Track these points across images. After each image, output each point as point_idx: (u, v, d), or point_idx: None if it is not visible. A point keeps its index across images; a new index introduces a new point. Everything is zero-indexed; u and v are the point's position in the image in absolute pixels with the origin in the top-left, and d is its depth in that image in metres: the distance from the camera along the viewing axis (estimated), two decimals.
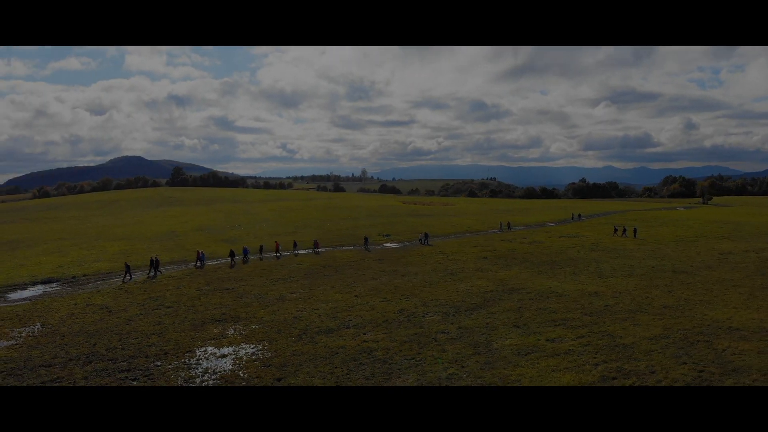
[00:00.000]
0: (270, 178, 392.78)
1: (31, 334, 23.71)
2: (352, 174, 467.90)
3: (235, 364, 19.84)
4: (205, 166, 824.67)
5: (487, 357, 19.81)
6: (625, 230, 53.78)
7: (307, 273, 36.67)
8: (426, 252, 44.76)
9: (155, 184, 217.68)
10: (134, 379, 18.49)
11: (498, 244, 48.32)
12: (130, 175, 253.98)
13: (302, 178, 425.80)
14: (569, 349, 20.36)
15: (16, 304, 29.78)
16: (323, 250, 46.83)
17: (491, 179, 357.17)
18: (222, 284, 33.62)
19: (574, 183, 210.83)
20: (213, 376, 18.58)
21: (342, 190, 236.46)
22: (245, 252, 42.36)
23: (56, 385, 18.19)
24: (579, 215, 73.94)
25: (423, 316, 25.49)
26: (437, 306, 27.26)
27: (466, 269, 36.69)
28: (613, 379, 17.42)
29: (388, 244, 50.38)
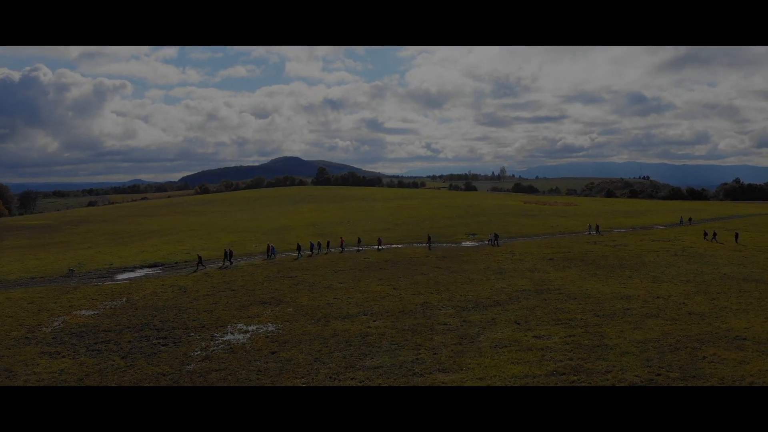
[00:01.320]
0: (411, 177, 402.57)
1: (112, 307, 29.23)
2: (492, 173, 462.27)
3: (248, 338, 23.33)
4: (355, 166, 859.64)
5: (463, 348, 21.35)
6: (715, 235, 50.08)
7: (367, 266, 39.62)
8: (494, 252, 45.57)
9: (301, 183, 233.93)
10: (164, 345, 22.65)
11: (577, 246, 47.61)
12: (289, 174, 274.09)
13: (440, 177, 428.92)
14: (547, 346, 21.20)
15: (117, 282, 36.21)
16: (386, 247, 49.24)
17: (644, 178, 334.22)
18: (289, 273, 37.70)
19: (725, 183, 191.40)
20: (224, 347, 22.18)
21: (473, 189, 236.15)
22: (312, 246, 46.23)
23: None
24: (689, 219, 68.62)
25: (439, 309, 27.26)
26: (460, 301, 28.78)
27: (518, 269, 37.31)
28: (562, 374, 18.25)
29: (466, 243, 51.64)
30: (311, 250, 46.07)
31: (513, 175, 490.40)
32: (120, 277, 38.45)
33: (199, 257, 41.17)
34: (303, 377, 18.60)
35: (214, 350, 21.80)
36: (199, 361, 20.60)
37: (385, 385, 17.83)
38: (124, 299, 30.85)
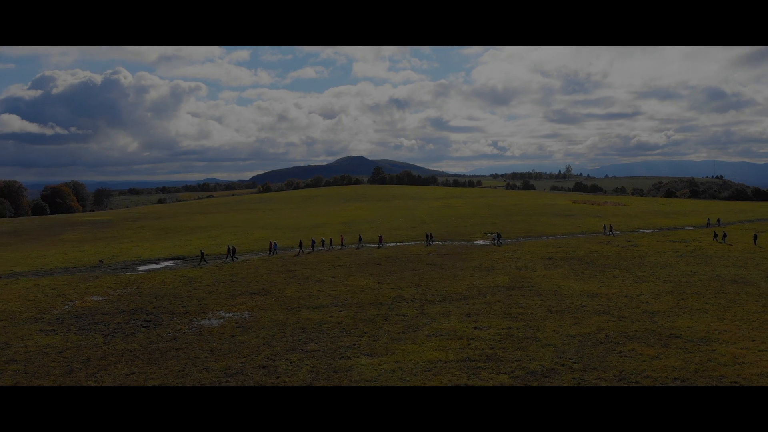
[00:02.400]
0: (473, 176, 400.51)
1: (122, 294, 32.61)
2: (559, 171, 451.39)
3: (220, 323, 25.92)
4: (418, 165, 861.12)
5: (403, 336, 23.08)
6: (725, 236, 48.92)
7: (366, 262, 41.61)
8: (496, 251, 46.45)
9: (357, 182, 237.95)
10: (145, 327, 25.55)
11: (586, 246, 47.76)
12: (352, 174, 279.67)
13: (503, 175, 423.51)
14: (479, 336, 22.61)
15: (137, 273, 39.88)
16: (389, 245, 50.83)
17: (717, 177, 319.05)
18: (290, 267, 40.26)
19: None
20: (194, 330, 24.85)
21: (531, 188, 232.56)
22: (313, 243, 48.71)
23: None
24: (718, 220, 66.18)
25: (407, 302, 28.97)
26: (431, 295, 30.35)
27: (508, 267, 38.28)
28: (472, 361, 19.73)
29: (479, 242, 52.58)
30: (312, 247, 48.40)
31: (580, 174, 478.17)
32: (142, 268, 42.17)
33: (201, 252, 44.32)
34: (244, 357, 20.89)
35: (184, 333, 24.48)
36: (167, 341, 23.29)
37: (319, 368, 19.79)
38: (134, 288, 34.21)
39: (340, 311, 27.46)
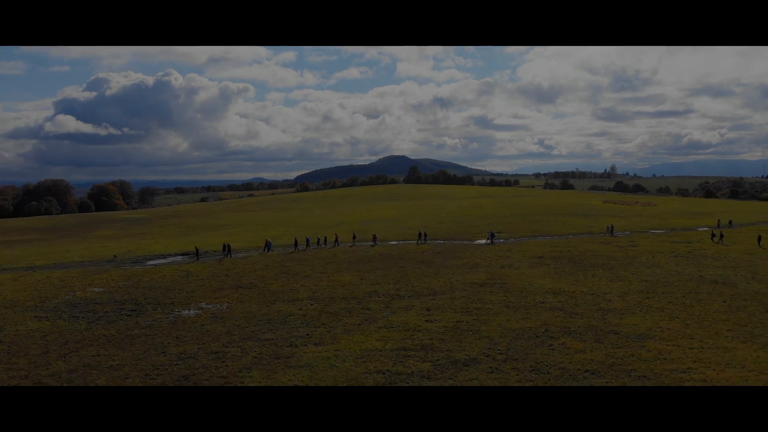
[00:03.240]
0: (515, 175, 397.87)
1: (121, 286, 35.09)
2: (605, 170, 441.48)
3: (197, 314, 27.91)
4: (461, 164, 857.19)
5: (357, 327, 24.55)
6: (722, 236, 48.28)
7: (359, 260, 43.12)
8: (489, 249, 47.17)
9: (393, 182, 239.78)
10: (128, 315, 27.75)
11: (583, 246, 47.97)
12: (394, 173, 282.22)
13: (545, 174, 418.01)
14: (426, 329, 23.85)
15: (144, 267, 42.52)
16: (384, 243, 51.96)
17: (766, 177, 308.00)
18: (286, 263, 42.14)
19: None
20: (171, 319, 26.88)
21: (570, 187, 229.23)
22: (308, 242, 50.31)
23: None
24: (730, 222, 64.42)
25: (378, 297, 30.37)
26: (405, 291, 31.64)
27: (493, 265, 39.10)
28: (406, 350, 21.02)
29: (479, 241, 53.31)
30: (307, 245, 50.02)
31: (626, 173, 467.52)
32: (150, 262, 44.83)
33: (196, 249, 46.67)
34: (202, 344, 22.73)
35: (160, 321, 26.55)
36: (142, 328, 25.39)
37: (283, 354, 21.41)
38: (135, 280, 36.68)
39: (312, 304, 29.05)
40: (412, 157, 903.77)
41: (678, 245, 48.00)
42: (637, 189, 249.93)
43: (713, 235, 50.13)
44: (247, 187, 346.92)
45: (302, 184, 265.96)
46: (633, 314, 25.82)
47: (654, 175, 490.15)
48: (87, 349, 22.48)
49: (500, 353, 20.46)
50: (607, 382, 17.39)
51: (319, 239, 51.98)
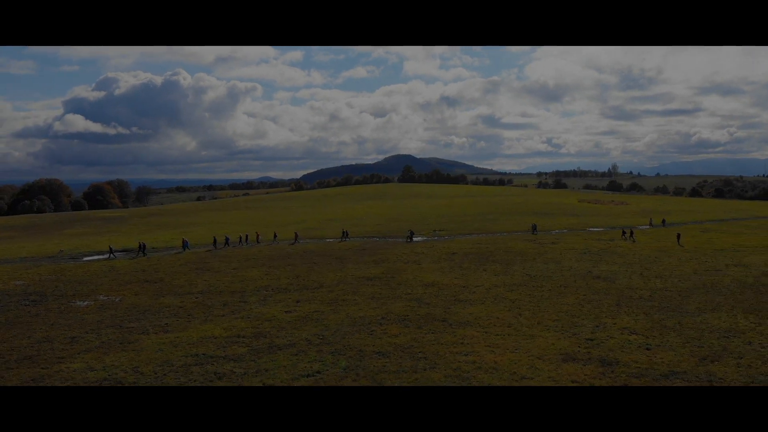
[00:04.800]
0: (525, 174, 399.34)
1: (42, 279, 37.44)
2: (608, 169, 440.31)
3: (88, 304, 30.12)
4: (468, 163, 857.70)
5: (215, 317, 26.67)
6: (632, 233, 50.26)
7: (279, 257, 45.36)
8: (407, 246, 49.18)
9: (387, 181, 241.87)
10: (26, 305, 30.00)
11: (506, 243, 49.86)
12: (399, 172, 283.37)
13: (546, 173, 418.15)
14: (274, 318, 26.01)
15: (77, 262, 44.94)
16: (303, 241, 54.01)
17: (766, 176, 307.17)
18: (207, 260, 44.42)
19: None
20: (62, 308, 29.11)
21: (564, 186, 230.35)
22: (227, 240, 52.19)
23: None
24: (663, 221, 65.75)
25: (262, 291, 32.51)
26: (295, 285, 33.79)
27: (397, 261, 41.19)
28: (240, 337, 23.13)
29: (417, 239, 55.35)
30: (226, 244, 51.97)
31: (630, 172, 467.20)
32: (87, 258, 47.28)
33: (140, 244, 48.97)
34: (65, 330, 24.91)
35: (50, 311, 28.83)
36: (30, 316, 27.68)
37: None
38: (59, 275, 39.03)
39: (196, 298, 31.22)
40: (418, 156, 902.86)
41: (597, 243, 49.78)
42: (633, 188, 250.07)
43: (624, 233, 51.97)
44: (248, 186, 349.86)
45: (297, 183, 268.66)
46: (480, 304, 27.79)
47: (658, 174, 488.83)
48: None
49: (320, 338, 22.53)
50: (387, 362, 19.40)
51: (240, 237, 53.86)
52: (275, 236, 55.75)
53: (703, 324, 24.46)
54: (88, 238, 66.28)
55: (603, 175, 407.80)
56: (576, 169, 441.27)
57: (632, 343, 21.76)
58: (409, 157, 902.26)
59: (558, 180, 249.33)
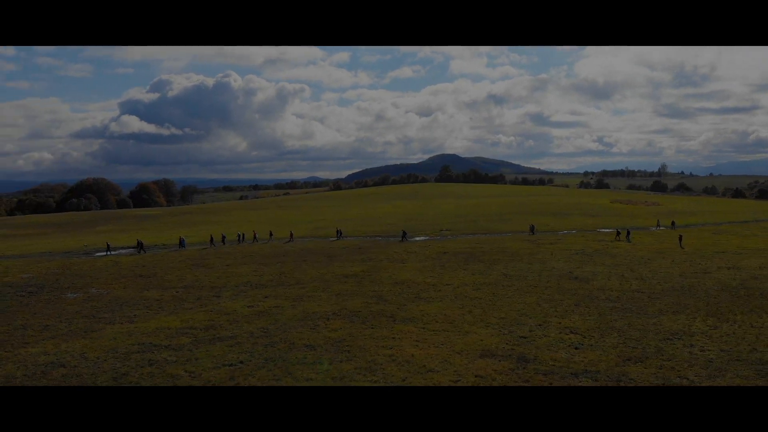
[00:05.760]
0: (574, 173, 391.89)
1: (49, 272, 40.05)
2: (658, 169, 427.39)
3: (77, 296, 32.20)
4: (514, 162, 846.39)
5: (182, 309, 28.17)
6: (628, 234, 49.48)
7: (273, 255, 46.86)
8: (401, 245, 49.86)
9: (424, 180, 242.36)
10: (22, 296, 32.33)
11: (502, 243, 49.96)
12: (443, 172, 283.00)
13: (593, 173, 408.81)
14: (233, 311, 27.30)
15: (90, 257, 47.57)
16: (301, 239, 55.54)
17: None
18: (206, 257, 46.33)
19: None
20: (52, 298, 31.26)
21: (606, 186, 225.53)
22: (223, 238, 54.04)
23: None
24: (672, 223, 63.89)
25: (242, 287, 33.93)
26: (276, 281, 35.11)
27: (387, 259, 42.04)
28: (189, 328, 24.50)
29: (419, 238, 56.01)
30: (223, 242, 53.84)
31: (682, 172, 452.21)
32: (99, 254, 49.92)
33: (138, 242, 51.25)
34: (44, 318, 26.86)
35: (41, 301, 30.99)
36: (21, 305, 29.85)
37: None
38: (66, 268, 41.59)
39: (176, 292, 32.86)
40: (463, 156, 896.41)
41: (596, 243, 49.33)
42: (679, 188, 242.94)
43: (618, 234, 51.27)
44: (290, 186, 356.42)
45: (336, 183, 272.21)
46: (437, 302, 28.39)
47: (711, 174, 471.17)
48: None
49: (263, 331, 23.66)
50: (309, 354, 20.34)
51: (239, 235, 55.77)
52: (271, 235, 57.44)
53: (654, 326, 24.39)
54: (114, 235, 69.60)
55: (651, 174, 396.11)
56: (624, 168, 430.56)
57: (564, 342, 22.00)
58: (453, 157, 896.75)
59: (600, 180, 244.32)
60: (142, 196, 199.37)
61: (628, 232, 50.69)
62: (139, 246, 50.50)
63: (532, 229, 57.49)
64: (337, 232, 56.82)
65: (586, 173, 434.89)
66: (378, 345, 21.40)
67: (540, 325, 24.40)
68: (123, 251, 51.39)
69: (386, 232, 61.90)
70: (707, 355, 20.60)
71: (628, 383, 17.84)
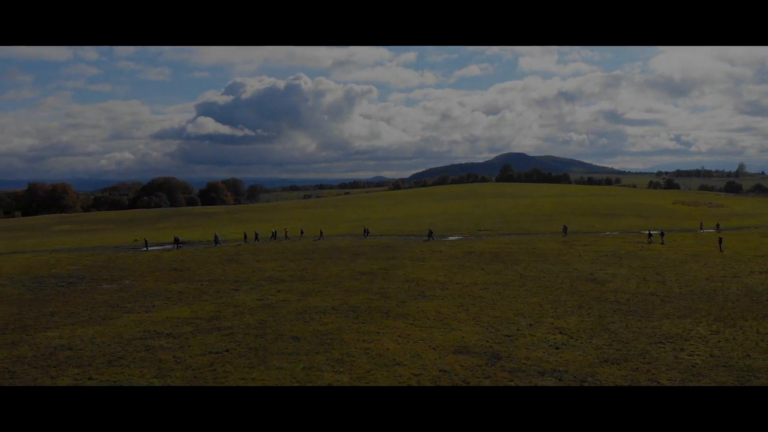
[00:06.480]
0: (648, 173, 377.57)
1: (95, 265, 43.21)
2: (737, 169, 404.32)
3: (111, 287, 34.74)
4: (586, 161, 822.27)
5: (194, 301, 29.97)
6: (663, 234, 47.53)
7: (301, 252, 48.40)
8: (424, 245, 50.21)
9: (483, 180, 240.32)
10: (61, 286, 35.19)
11: (534, 244, 49.46)
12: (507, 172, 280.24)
13: (665, 173, 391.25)
14: (243, 304, 28.77)
15: (136, 251, 50.75)
16: (339, 237, 56.77)
17: None
18: (240, 253, 48.46)
19: None
20: (88, 289, 33.92)
21: (676, 186, 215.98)
22: (256, 236, 55.82)
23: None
24: (717, 226, 60.53)
25: (261, 281, 35.54)
26: (295, 276, 36.56)
27: (408, 257, 42.67)
28: (194, 319, 26.16)
29: (452, 237, 56.26)
30: (256, 239, 55.81)
31: (762, 173, 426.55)
32: (149, 248, 53.13)
33: (175, 238, 53.99)
34: (77, 306, 29.26)
35: (77, 291, 33.68)
36: (58, 294, 32.57)
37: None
38: (113, 261, 44.70)
39: (200, 285, 34.74)
40: (531, 155, 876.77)
41: (630, 245, 48.08)
42: (756, 190, 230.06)
43: (650, 236, 49.62)
44: (353, 185, 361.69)
45: (395, 183, 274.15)
46: (439, 300, 28.86)
47: None
48: (3, 305, 29.81)
49: (260, 323, 24.96)
50: (291, 345, 21.39)
51: (273, 233, 57.77)
52: (302, 232, 59.28)
53: (651, 329, 24.00)
54: (169, 231, 73.52)
55: (728, 175, 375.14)
56: (700, 168, 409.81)
57: (547, 341, 22.06)
58: (521, 156, 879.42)
59: (671, 180, 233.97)
60: (210, 194, 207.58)
61: (662, 234, 49.04)
62: (176, 242, 53.33)
63: (565, 230, 56.53)
64: (365, 230, 57.89)
65: (659, 173, 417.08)
66: (359, 339, 22.20)
67: (531, 324, 24.48)
68: (168, 246, 54.43)
69: (423, 231, 62.30)
70: (693, 360, 20.21)
71: (593, 383, 17.85)
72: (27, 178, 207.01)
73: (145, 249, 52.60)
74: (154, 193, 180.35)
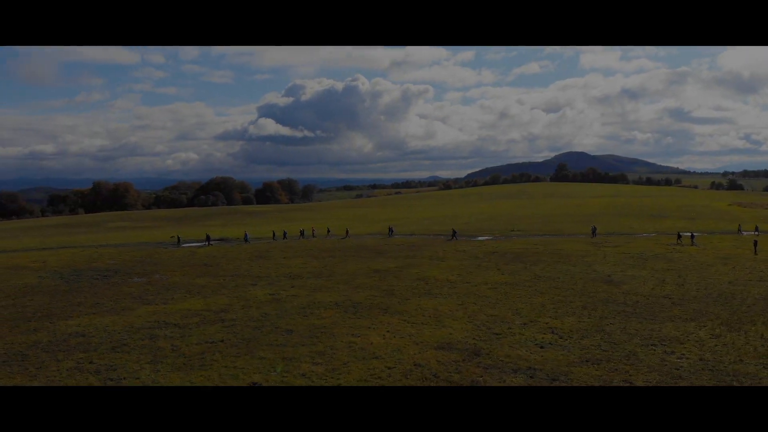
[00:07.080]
0: (714, 173, 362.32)
1: (132, 260, 45.84)
2: None
3: (142, 281, 36.92)
4: (650, 161, 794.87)
5: (210, 295, 31.55)
6: (693, 237, 46.23)
7: (330, 249, 49.59)
8: (451, 244, 50.36)
9: (537, 180, 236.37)
10: (96, 279, 37.65)
11: (561, 245, 48.87)
12: (568, 170, 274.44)
13: (732, 173, 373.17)
14: (255, 298, 30.09)
15: (177, 248, 53.32)
16: (369, 236, 57.77)
17: None
18: (270, 249, 50.13)
19: None
20: (119, 282, 36.21)
21: (740, 187, 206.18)
22: (285, 234, 57.49)
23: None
24: (756, 228, 57.27)
25: (282, 277, 36.90)
26: (314, 273, 37.73)
27: (427, 256, 43.14)
28: (203, 310, 27.64)
29: (482, 237, 56.23)
30: (284, 237, 57.36)
31: None
32: (185, 245, 55.67)
33: (207, 236, 56.12)
34: (104, 297, 31.37)
35: (109, 283, 35.96)
36: (89, 287, 34.92)
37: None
38: (149, 257, 47.25)
39: (223, 280, 36.40)
40: (592, 153, 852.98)
41: (660, 247, 46.83)
42: None
43: (679, 237, 48.04)
44: (405, 185, 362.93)
45: (446, 183, 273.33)
46: (442, 298, 29.31)
47: None
48: (39, 295, 32.29)
49: (262, 315, 26.16)
50: (280, 337, 22.43)
51: (301, 231, 59.32)
52: (328, 231, 60.59)
53: (648, 331, 23.73)
54: (215, 229, 76.48)
55: None
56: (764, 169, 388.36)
57: (534, 340, 22.21)
58: (581, 155, 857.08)
59: (734, 180, 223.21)
60: (266, 194, 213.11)
61: (692, 236, 47.49)
62: (208, 239, 55.67)
63: (594, 231, 55.49)
64: (389, 229, 58.64)
65: (725, 173, 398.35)
66: (349, 333, 23.01)
67: (524, 324, 24.63)
68: (201, 244, 56.86)
69: (447, 231, 62.44)
70: (679, 363, 20.00)
71: (562, 383, 18.01)
72: (96, 177, 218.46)
73: (178, 246, 55.06)
74: (211, 192, 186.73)
